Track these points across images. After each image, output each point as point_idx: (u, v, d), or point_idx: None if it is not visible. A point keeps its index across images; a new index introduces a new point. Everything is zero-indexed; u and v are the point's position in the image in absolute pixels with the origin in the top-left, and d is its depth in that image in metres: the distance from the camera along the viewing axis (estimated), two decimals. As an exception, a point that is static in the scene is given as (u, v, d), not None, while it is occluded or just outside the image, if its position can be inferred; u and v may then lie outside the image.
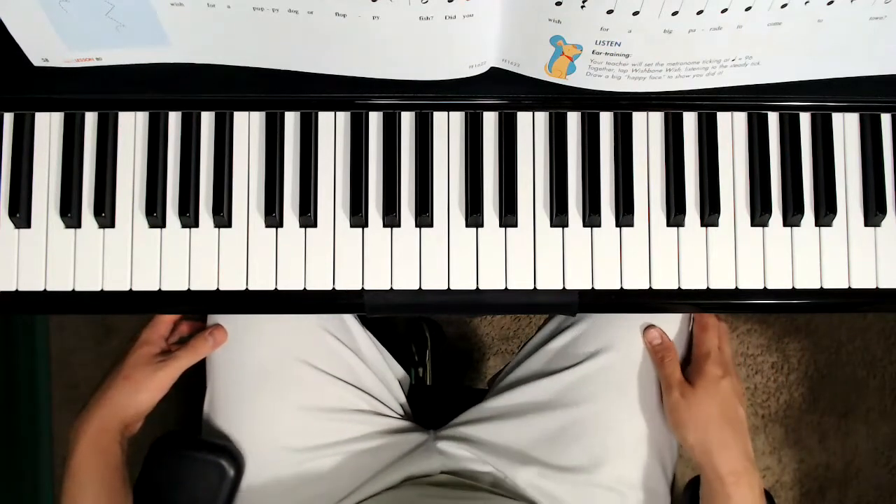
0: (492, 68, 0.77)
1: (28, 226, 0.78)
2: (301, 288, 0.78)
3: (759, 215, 0.79)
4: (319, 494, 0.89)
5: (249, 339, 0.89)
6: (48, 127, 0.79)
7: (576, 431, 0.87)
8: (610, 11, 0.67)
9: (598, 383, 0.88)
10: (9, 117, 0.78)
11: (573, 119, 0.80)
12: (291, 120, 0.79)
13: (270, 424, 0.88)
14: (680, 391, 0.83)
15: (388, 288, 0.78)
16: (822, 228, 0.79)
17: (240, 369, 0.89)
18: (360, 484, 0.90)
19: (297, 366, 0.89)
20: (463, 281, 0.78)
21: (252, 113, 0.79)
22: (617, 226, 0.79)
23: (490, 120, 0.79)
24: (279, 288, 0.78)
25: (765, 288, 0.79)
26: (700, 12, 0.67)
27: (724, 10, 0.67)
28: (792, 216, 0.79)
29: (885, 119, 0.80)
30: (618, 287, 0.78)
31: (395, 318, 1.54)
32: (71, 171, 0.78)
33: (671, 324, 0.89)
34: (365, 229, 0.78)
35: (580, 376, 0.88)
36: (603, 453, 0.86)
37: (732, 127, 0.80)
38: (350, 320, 0.96)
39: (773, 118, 0.80)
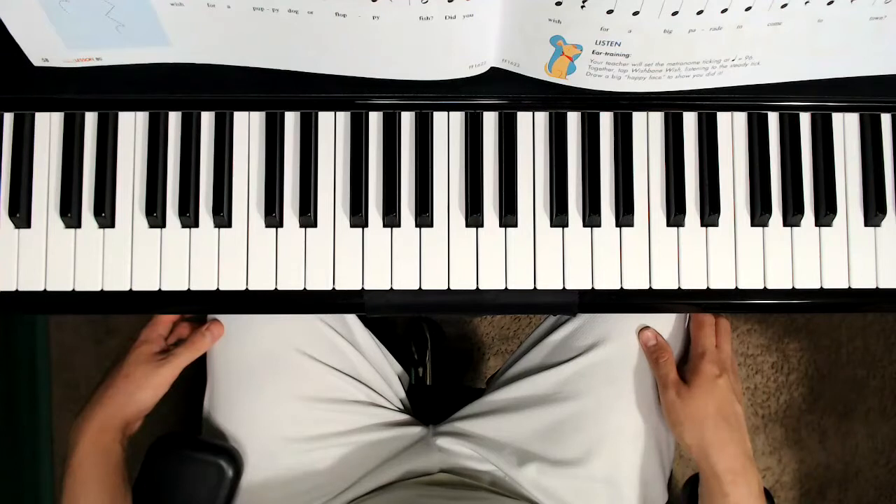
0: (492, 68, 0.77)
1: (28, 226, 0.78)
2: (301, 288, 0.78)
3: (759, 215, 0.79)
4: (318, 486, 0.89)
5: (248, 331, 0.89)
6: (48, 127, 0.79)
7: (574, 424, 0.87)
8: (610, 11, 0.67)
9: (595, 376, 0.88)
10: (9, 117, 0.78)
11: (573, 119, 0.80)
12: (291, 120, 0.79)
13: (269, 414, 0.88)
14: (676, 391, 0.84)
15: (388, 288, 0.78)
16: (822, 228, 0.79)
17: (238, 360, 0.89)
18: (358, 478, 0.90)
19: (295, 356, 0.89)
20: (463, 281, 0.78)
21: (252, 113, 0.79)
22: (617, 226, 0.79)
23: (490, 120, 0.79)
24: (279, 288, 0.78)
25: (765, 288, 0.79)
26: (700, 12, 0.67)
27: (724, 10, 0.67)
28: (792, 216, 0.79)
29: (885, 119, 0.80)
30: (618, 287, 0.78)
31: (395, 318, 1.54)
32: (71, 171, 0.78)
33: (667, 323, 0.89)
34: (365, 229, 0.78)
35: (578, 369, 0.88)
36: (599, 445, 0.86)
37: (732, 127, 0.80)
38: (349, 316, 0.96)
39: (773, 118, 0.80)
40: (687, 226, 0.79)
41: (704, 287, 0.78)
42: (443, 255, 0.78)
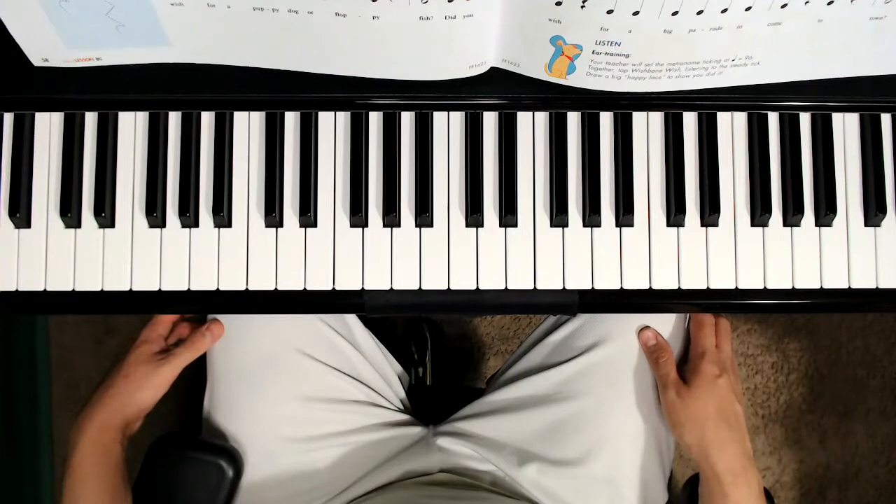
0: (492, 68, 0.77)
1: (28, 226, 0.78)
2: (301, 288, 0.78)
3: (759, 215, 0.79)
4: (318, 486, 0.89)
5: (248, 331, 0.89)
6: (48, 127, 0.79)
7: (574, 424, 0.87)
8: (610, 11, 0.67)
9: (595, 376, 0.88)
10: (9, 117, 0.78)
11: (573, 119, 0.80)
12: (291, 120, 0.79)
13: (269, 414, 0.88)
14: (676, 391, 0.84)
15: (388, 288, 0.78)
16: (822, 228, 0.79)
17: (239, 360, 0.89)
18: (358, 477, 0.90)
19: (295, 356, 0.89)
20: (463, 281, 0.78)
21: (252, 113, 0.79)
22: (617, 226, 0.79)
23: (490, 120, 0.79)
24: (279, 288, 0.78)
25: (765, 288, 0.79)
26: (700, 12, 0.67)
27: (724, 10, 0.67)
28: (792, 216, 0.79)
29: (885, 119, 0.80)
30: (618, 287, 0.78)
31: (395, 318, 1.54)
32: (71, 171, 0.78)
33: (667, 323, 0.89)
34: (365, 229, 0.78)
35: (578, 369, 0.88)
36: (599, 446, 0.86)
37: (732, 127, 0.80)
38: (349, 316, 0.96)
39: (773, 118, 0.80)
40: (687, 226, 0.79)
41: (704, 287, 0.78)
42: (443, 255, 0.78)
